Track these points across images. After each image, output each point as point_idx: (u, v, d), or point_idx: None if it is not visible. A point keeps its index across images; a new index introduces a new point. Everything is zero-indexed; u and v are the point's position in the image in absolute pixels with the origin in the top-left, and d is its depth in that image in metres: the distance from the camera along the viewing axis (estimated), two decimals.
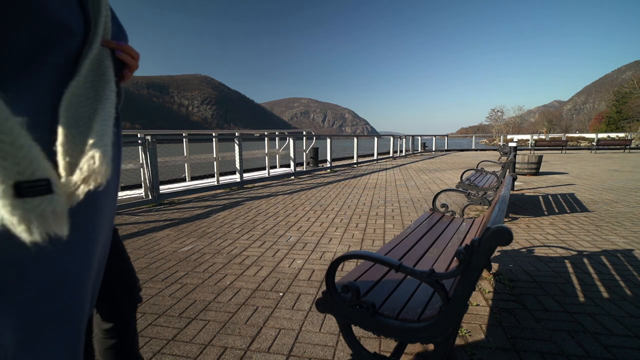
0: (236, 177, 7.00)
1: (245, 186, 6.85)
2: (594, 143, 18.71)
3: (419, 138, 20.49)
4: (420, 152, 19.59)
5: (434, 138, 22.35)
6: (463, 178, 4.59)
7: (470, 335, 1.66)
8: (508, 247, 2.91)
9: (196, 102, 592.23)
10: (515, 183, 6.48)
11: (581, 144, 27.97)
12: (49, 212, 0.43)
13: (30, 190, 0.41)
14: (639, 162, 11.08)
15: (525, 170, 7.73)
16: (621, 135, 27.63)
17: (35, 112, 0.49)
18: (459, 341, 1.61)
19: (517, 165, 7.57)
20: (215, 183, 6.52)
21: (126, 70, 0.71)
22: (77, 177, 0.48)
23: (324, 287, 1.69)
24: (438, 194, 2.69)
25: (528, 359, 1.48)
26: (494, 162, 6.87)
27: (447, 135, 23.59)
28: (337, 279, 1.35)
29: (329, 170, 9.85)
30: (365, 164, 12.19)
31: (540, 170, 8.15)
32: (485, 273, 2.37)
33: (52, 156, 0.47)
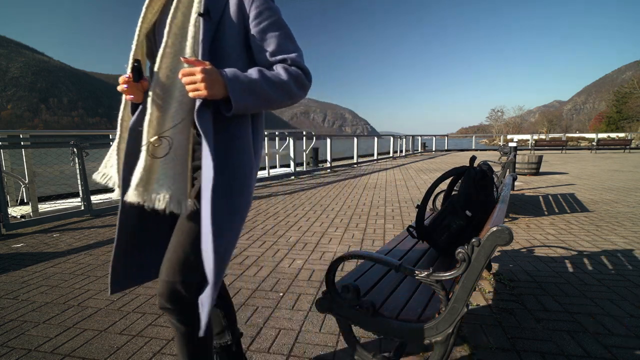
0: None
1: None
2: (594, 143, 18.71)
3: (419, 138, 20.49)
4: (421, 152, 19.60)
5: (434, 138, 22.35)
6: None
7: (470, 335, 1.66)
8: (508, 247, 2.91)
9: None
10: (516, 183, 6.48)
11: (581, 144, 27.97)
12: None
13: None
14: (639, 162, 11.07)
15: (526, 170, 7.72)
16: (621, 135, 27.61)
17: None
18: (459, 341, 1.61)
19: (517, 165, 7.57)
20: None
21: None
22: None
23: (324, 287, 1.69)
24: (438, 193, 2.68)
25: (528, 359, 1.48)
26: (494, 162, 6.87)
27: (447, 135, 23.58)
28: (337, 279, 1.35)
29: (329, 170, 9.85)
30: (365, 164, 12.19)
31: (541, 170, 8.14)
32: (485, 273, 2.37)
33: None
